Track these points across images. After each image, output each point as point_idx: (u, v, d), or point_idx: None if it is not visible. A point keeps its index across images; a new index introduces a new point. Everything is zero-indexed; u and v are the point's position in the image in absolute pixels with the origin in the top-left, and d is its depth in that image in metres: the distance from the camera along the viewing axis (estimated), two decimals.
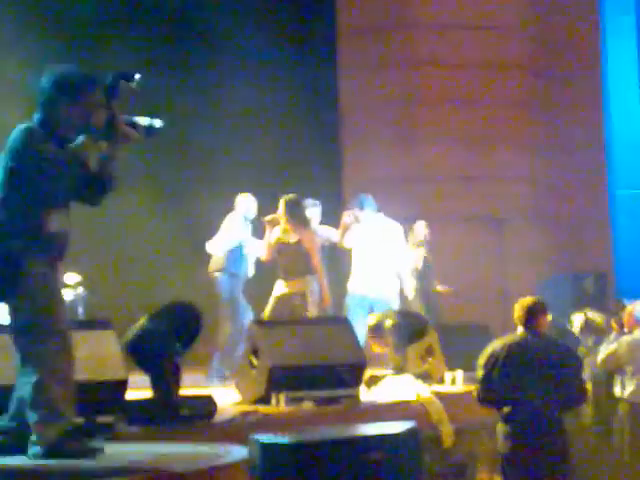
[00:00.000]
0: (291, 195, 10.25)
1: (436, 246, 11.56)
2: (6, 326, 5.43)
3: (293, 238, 10.11)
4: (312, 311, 10.02)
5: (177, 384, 6.83)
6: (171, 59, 12.68)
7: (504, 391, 7.47)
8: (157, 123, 5.37)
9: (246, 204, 10.57)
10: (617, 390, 9.61)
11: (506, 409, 7.47)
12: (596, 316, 10.42)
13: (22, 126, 5.20)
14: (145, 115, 5.43)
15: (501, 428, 7.53)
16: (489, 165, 13.32)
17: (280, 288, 10.12)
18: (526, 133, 13.72)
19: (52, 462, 4.91)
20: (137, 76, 5.28)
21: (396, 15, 13.54)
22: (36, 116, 5.25)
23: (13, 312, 5.22)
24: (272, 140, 12.89)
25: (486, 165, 13.32)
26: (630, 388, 9.51)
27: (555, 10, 14.13)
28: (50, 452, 4.99)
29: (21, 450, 5.08)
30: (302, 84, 13.42)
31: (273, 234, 10.14)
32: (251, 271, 10.67)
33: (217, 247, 10.49)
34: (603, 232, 14.27)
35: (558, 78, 14.08)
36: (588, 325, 10.29)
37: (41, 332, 5.07)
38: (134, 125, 5.29)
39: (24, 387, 5.12)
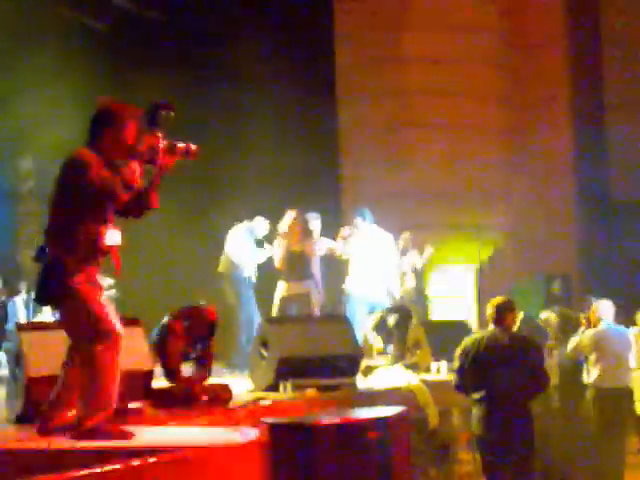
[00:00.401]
0: (297, 210, 10.35)
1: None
2: (57, 323, 5.43)
3: (299, 247, 10.20)
4: (314, 309, 10.10)
5: (203, 373, 6.85)
6: (202, 101, 12.81)
7: (476, 379, 7.48)
8: (193, 147, 5.32)
9: (257, 225, 10.69)
10: (585, 377, 9.63)
11: (476, 395, 7.47)
12: (570, 312, 10.43)
13: (75, 152, 5.17)
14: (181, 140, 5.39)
15: (475, 411, 7.54)
16: (468, 183, 13.29)
17: (283, 289, 10.22)
18: (500, 156, 13.72)
19: (92, 443, 4.91)
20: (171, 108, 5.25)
21: (389, 51, 13.58)
22: (89, 142, 5.22)
23: (66, 316, 5.21)
24: (281, 165, 12.97)
25: (465, 183, 13.29)
26: (595, 374, 9.53)
27: (526, 48, 14.19)
28: (91, 434, 4.99)
29: (63, 432, 5.09)
30: (306, 115, 13.45)
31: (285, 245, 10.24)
32: (254, 275, 10.68)
33: (238, 260, 10.57)
34: (569, 240, 14.27)
35: (528, 108, 14.09)
36: (565, 320, 10.26)
37: (90, 334, 5.07)
38: (173, 149, 5.24)
39: (74, 377, 5.16)
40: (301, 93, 13.42)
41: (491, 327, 7.59)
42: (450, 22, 13.44)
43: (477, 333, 7.80)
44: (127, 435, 5.06)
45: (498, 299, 7.70)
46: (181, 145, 5.28)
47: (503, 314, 7.57)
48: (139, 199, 5.19)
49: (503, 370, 7.39)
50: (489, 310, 7.62)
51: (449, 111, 13.44)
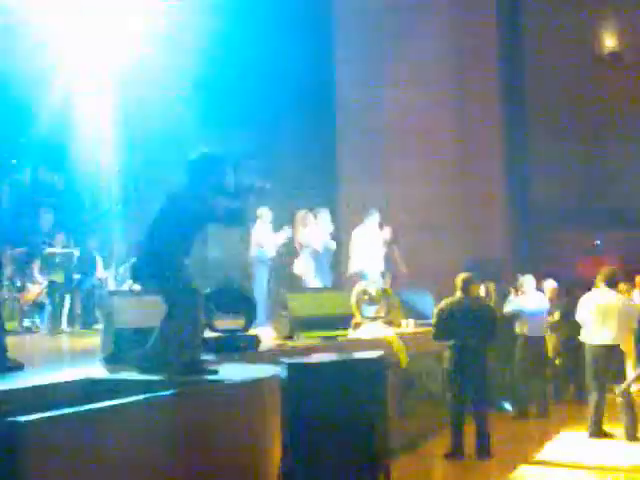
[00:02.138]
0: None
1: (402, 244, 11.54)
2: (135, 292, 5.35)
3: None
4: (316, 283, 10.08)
5: (247, 324, 6.70)
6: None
7: (448, 331, 7.48)
8: (268, 185, 5.01)
9: (267, 214, 10.51)
10: (516, 329, 9.66)
11: (449, 342, 7.49)
12: (492, 286, 10.45)
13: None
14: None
15: (446, 353, 7.56)
16: (430, 194, 13.26)
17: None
18: (452, 173, 13.64)
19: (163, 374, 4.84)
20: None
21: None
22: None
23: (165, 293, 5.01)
24: (293, 183, 12.94)
25: (428, 193, 13.26)
26: (523, 327, 9.61)
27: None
28: (181, 370, 4.85)
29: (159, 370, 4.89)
30: (310, 147, 13.42)
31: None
32: (272, 253, 10.47)
33: (263, 248, 10.41)
34: (503, 234, 14.15)
35: (472, 143, 13.90)
36: (489, 292, 10.33)
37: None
38: (252, 187, 4.91)
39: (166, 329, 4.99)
40: (311, 133, 13.31)
41: (458, 294, 7.57)
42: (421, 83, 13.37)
43: (449, 298, 7.71)
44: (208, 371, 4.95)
45: (464, 274, 7.67)
46: (260, 183, 5.00)
47: (467, 285, 7.55)
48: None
49: (467, 324, 7.39)
50: (457, 282, 7.57)
51: (417, 150, 13.41)
